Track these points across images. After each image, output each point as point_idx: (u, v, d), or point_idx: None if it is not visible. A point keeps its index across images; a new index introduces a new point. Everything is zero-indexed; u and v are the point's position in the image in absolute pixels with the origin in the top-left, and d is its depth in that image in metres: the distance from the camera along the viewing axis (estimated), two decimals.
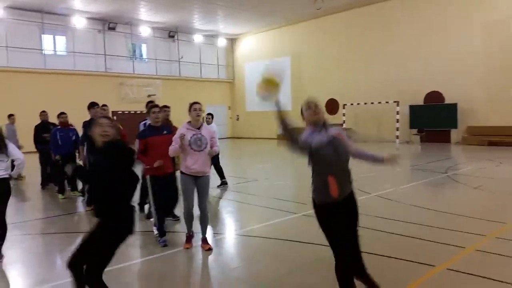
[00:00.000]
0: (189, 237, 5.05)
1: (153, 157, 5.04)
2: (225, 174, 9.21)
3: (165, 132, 5.25)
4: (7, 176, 4.76)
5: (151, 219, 5.93)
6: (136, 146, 5.02)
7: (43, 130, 9.66)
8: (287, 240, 5.18)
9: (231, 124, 30.30)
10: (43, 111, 10.21)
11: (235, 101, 29.99)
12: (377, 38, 21.49)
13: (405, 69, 20.34)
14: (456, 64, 18.69)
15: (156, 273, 4.37)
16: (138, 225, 5.82)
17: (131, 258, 4.74)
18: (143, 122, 6.66)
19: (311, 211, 6.44)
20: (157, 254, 4.84)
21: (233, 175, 10.57)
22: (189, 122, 4.81)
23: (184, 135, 4.67)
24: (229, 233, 5.70)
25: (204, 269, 4.39)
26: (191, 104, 4.84)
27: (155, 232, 5.28)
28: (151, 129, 5.28)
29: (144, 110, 6.22)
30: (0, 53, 19.81)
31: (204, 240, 4.97)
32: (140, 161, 5.02)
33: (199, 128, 4.79)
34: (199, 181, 4.85)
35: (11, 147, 4.84)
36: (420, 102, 19.97)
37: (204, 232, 4.97)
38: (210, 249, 4.88)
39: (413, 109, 19.99)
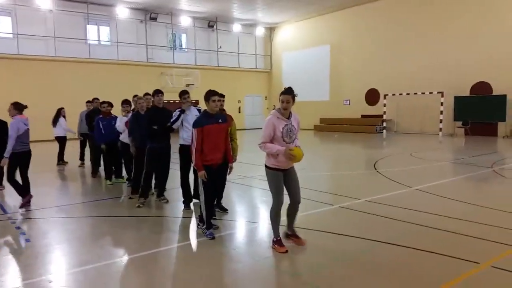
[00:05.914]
0: (279, 241, 4.47)
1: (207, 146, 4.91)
2: (261, 163, 9.04)
3: (220, 120, 5.05)
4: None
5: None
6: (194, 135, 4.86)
7: (95, 116, 9.79)
8: (324, 231, 5.11)
9: (268, 114, 30.18)
10: (96, 98, 10.18)
11: (272, 91, 29.87)
12: (420, 26, 20.64)
13: (450, 58, 19.45)
14: (507, 53, 17.66)
15: (187, 258, 4.45)
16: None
17: (168, 242, 4.84)
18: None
19: (349, 203, 6.39)
20: (186, 242, 4.92)
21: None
22: (279, 109, 4.49)
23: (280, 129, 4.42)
24: (263, 222, 5.68)
25: (236, 257, 4.38)
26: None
27: (201, 224, 5.05)
28: (207, 116, 5.01)
29: (178, 100, 6.22)
30: (48, 43, 20.75)
31: (296, 235, 4.64)
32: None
33: (288, 118, 4.50)
34: (288, 174, 4.61)
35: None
36: (466, 93, 19.08)
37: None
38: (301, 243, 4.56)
39: (458, 100, 19.13)
